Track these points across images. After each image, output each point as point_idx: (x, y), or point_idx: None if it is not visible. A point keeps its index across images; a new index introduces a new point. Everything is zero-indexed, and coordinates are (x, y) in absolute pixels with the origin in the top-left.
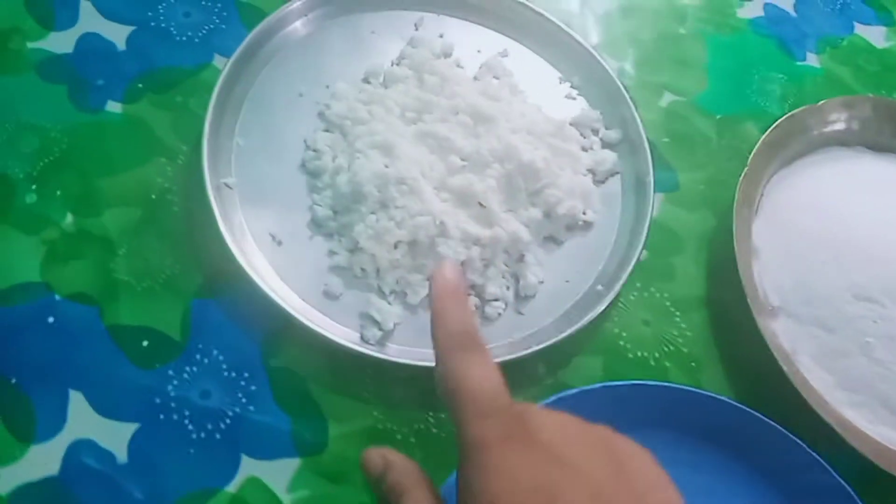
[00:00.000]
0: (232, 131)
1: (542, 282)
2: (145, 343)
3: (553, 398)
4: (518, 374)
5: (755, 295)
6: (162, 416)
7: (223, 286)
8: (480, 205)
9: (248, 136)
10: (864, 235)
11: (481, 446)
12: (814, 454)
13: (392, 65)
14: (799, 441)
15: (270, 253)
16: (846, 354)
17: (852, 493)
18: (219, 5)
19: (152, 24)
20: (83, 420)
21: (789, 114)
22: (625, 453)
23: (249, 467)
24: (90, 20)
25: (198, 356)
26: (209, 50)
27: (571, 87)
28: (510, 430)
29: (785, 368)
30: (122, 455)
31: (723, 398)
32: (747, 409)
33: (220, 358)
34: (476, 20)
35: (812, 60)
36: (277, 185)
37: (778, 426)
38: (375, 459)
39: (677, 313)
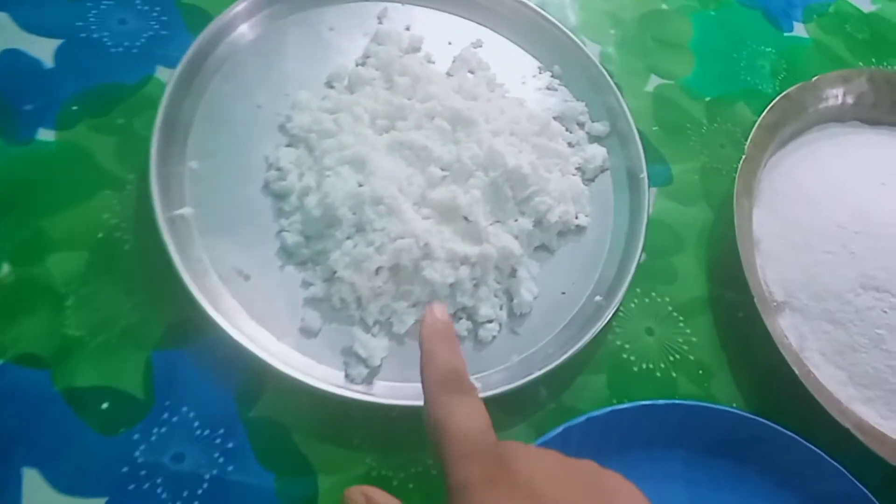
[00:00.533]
0: (183, 154)
1: (536, 297)
2: (105, 405)
3: (560, 428)
4: (520, 399)
5: (761, 294)
6: (132, 487)
7: (187, 333)
8: (466, 219)
9: (203, 159)
10: (868, 221)
11: (464, 487)
12: (833, 462)
13: (356, 65)
14: (816, 449)
15: (238, 290)
16: (856, 348)
17: (874, 500)
18: (157, 9)
19: (83, 35)
20: (41, 501)
21: (784, 93)
22: (610, 488)
23: None
24: (9, 35)
25: (166, 415)
26: (151, 61)
27: (552, 76)
28: (492, 471)
29: (797, 371)
30: None
31: (734, 410)
32: (760, 420)
33: (191, 414)
34: (445, 8)
35: (800, 31)
36: (239, 211)
37: (794, 435)
38: (356, 497)
39: (681, 318)
